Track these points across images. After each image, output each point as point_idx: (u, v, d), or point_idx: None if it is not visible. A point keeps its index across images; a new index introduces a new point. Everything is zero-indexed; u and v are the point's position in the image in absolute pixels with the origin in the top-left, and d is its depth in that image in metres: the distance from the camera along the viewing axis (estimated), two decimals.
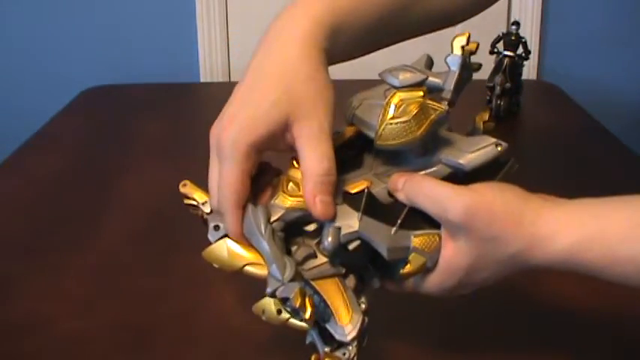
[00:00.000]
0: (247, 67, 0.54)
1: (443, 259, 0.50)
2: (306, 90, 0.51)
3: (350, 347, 0.49)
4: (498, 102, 1.20)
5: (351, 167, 0.55)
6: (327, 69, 0.53)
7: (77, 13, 1.91)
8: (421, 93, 0.52)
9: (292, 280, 0.49)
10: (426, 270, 0.51)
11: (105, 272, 0.76)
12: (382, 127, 0.52)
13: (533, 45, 1.88)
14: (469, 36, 0.55)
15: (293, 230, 0.52)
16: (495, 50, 1.22)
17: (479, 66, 0.57)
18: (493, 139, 0.54)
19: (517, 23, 1.21)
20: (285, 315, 0.50)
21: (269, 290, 0.50)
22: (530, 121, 1.25)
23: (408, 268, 0.50)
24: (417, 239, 0.50)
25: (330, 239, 0.49)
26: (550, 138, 1.15)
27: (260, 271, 0.51)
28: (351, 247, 0.50)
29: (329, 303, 0.49)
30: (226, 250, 0.52)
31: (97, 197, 0.95)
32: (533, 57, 1.87)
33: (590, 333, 0.64)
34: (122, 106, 1.36)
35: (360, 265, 0.53)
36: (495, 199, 0.48)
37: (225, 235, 0.53)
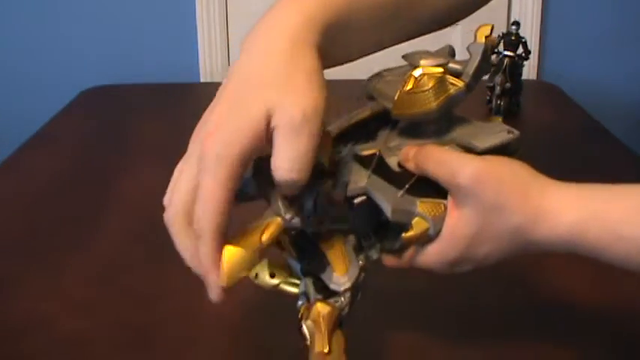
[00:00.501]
0: (233, 66, 0.50)
1: (446, 227, 0.50)
2: (292, 82, 0.46)
3: (343, 297, 0.49)
4: (498, 102, 1.20)
5: (364, 141, 0.56)
6: (319, 65, 0.48)
7: (77, 13, 1.91)
8: (441, 70, 0.54)
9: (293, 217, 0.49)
10: (428, 239, 0.51)
11: (105, 272, 0.76)
12: (400, 96, 0.53)
13: (533, 45, 1.88)
14: (492, 27, 0.56)
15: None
16: (495, 50, 1.22)
17: (493, 65, 0.58)
18: (506, 126, 0.55)
19: (517, 23, 1.21)
20: (276, 280, 0.50)
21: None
22: (530, 121, 1.25)
23: (410, 232, 0.50)
24: (423, 205, 0.50)
25: (336, 192, 0.50)
26: (550, 138, 1.15)
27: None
28: (356, 201, 0.50)
29: (326, 253, 0.50)
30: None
31: (97, 197, 0.94)
32: (533, 57, 1.86)
33: (591, 327, 0.64)
34: (122, 106, 1.36)
35: (362, 229, 0.53)
36: (504, 169, 0.49)
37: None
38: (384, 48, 0.61)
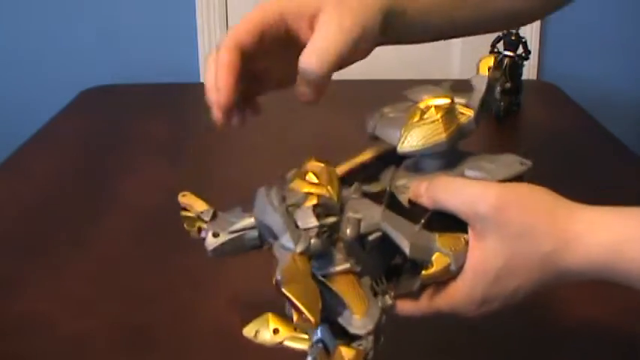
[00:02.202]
0: None
1: (470, 262, 0.46)
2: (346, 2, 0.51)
3: (366, 341, 0.45)
4: (498, 102, 1.20)
5: (367, 183, 0.53)
6: (372, 13, 0.53)
7: (77, 14, 1.91)
8: (449, 99, 0.51)
9: (305, 249, 0.45)
10: (449, 275, 0.47)
11: (105, 272, 0.76)
12: (408, 130, 0.50)
13: (533, 45, 1.87)
14: (496, 59, 0.54)
15: None
16: (495, 50, 1.22)
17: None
18: (517, 157, 0.51)
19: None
20: (280, 336, 0.48)
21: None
22: (530, 121, 1.25)
23: (431, 269, 0.46)
24: (442, 239, 0.46)
25: (350, 229, 0.46)
26: (550, 138, 1.15)
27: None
28: (371, 237, 0.47)
29: (342, 296, 0.46)
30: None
31: (97, 197, 0.94)
32: (533, 57, 1.86)
33: (601, 346, 0.64)
34: (122, 106, 1.36)
35: (374, 272, 0.49)
36: (527, 194, 0.46)
37: (225, 243, 0.53)
38: (452, 36, 0.62)
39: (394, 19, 0.55)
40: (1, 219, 0.89)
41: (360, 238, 0.47)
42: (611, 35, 1.92)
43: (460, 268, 0.46)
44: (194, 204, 0.55)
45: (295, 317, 0.42)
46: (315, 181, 0.49)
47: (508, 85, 1.20)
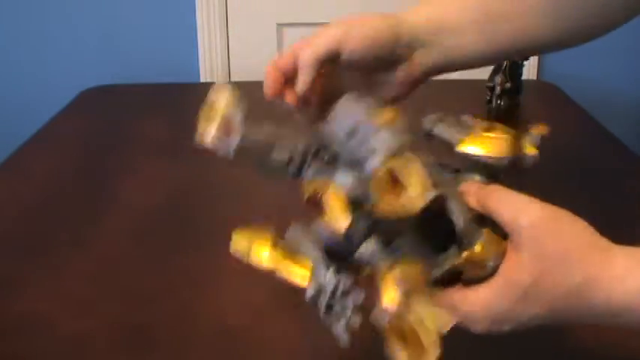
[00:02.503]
0: None
1: (502, 271, 0.46)
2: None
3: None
4: (498, 102, 1.20)
5: None
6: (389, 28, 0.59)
7: (77, 13, 1.91)
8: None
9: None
10: (483, 272, 0.47)
11: (105, 272, 0.76)
12: (475, 135, 0.53)
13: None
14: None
15: None
16: None
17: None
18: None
19: None
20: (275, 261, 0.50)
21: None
22: (530, 121, 1.25)
23: (475, 248, 0.47)
24: (488, 234, 0.47)
25: (459, 215, 0.48)
26: (550, 138, 1.15)
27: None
28: (428, 197, 0.46)
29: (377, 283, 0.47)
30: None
31: (97, 197, 0.95)
32: (533, 57, 1.86)
33: None
34: (122, 106, 1.36)
35: (414, 250, 0.49)
36: (568, 221, 0.46)
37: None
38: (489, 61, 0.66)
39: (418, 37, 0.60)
40: (1, 219, 0.89)
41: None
42: (611, 35, 1.92)
43: (494, 269, 0.46)
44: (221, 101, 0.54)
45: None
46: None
47: (508, 85, 1.20)
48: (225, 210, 0.90)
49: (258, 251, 0.50)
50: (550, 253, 0.44)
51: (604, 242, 0.45)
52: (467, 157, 0.52)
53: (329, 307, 0.48)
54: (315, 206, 0.49)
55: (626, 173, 1.00)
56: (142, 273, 0.76)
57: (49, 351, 0.63)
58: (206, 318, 0.68)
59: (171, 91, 1.44)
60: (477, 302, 0.46)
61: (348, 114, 0.50)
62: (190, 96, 1.43)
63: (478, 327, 0.47)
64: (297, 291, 0.70)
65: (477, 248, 0.47)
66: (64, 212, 0.91)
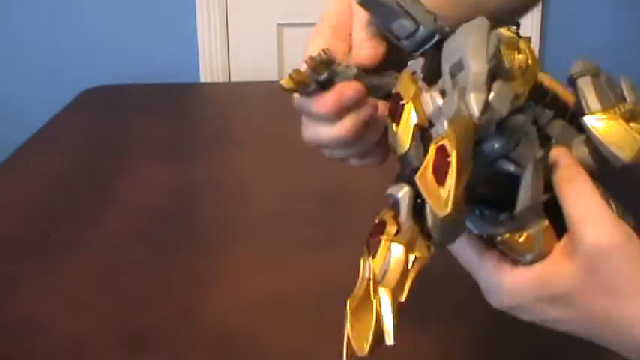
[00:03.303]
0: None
1: (540, 267, 0.42)
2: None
3: None
4: None
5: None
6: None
7: (77, 14, 1.91)
8: None
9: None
10: (520, 261, 0.42)
11: (105, 272, 0.76)
12: (607, 115, 0.44)
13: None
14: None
15: None
16: None
17: None
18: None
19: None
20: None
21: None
22: None
23: (513, 239, 0.42)
24: (547, 225, 0.42)
25: (506, 139, 0.40)
26: None
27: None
28: (509, 168, 0.41)
29: None
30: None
31: (97, 197, 0.94)
32: None
33: None
34: (122, 106, 1.36)
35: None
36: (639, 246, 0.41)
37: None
38: None
39: None
40: (1, 219, 0.89)
41: (505, 155, 0.41)
42: (611, 36, 1.92)
43: (530, 262, 0.42)
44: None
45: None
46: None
47: None
48: (225, 210, 0.90)
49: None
50: (603, 279, 0.40)
51: None
52: (586, 133, 0.45)
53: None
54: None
55: (626, 173, 1.00)
56: (142, 273, 0.76)
57: (49, 351, 0.63)
58: (206, 319, 0.68)
59: (172, 91, 1.44)
60: (505, 282, 0.43)
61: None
62: (190, 96, 1.43)
63: (497, 303, 0.44)
64: (296, 293, 0.70)
65: (521, 239, 0.42)
66: (64, 212, 0.91)
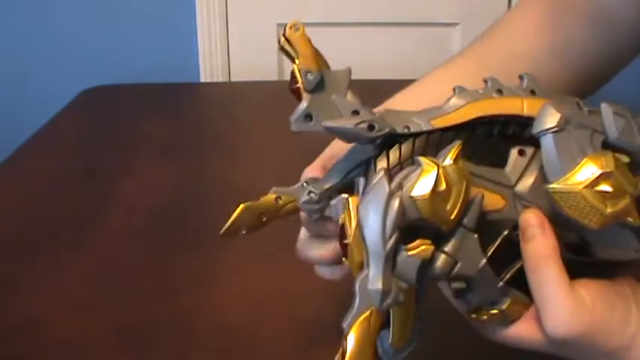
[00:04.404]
0: None
1: (514, 331, 0.44)
2: None
3: None
4: None
5: (493, 155, 0.45)
6: None
7: (77, 13, 1.91)
8: (632, 186, 0.41)
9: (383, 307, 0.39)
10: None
11: (105, 272, 0.76)
12: (568, 184, 0.40)
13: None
14: None
15: None
16: None
17: None
18: (637, 243, 0.44)
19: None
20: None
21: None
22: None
23: (481, 317, 0.43)
24: (509, 304, 0.43)
25: (439, 268, 0.40)
26: None
27: None
28: (454, 285, 0.41)
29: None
30: None
31: (96, 197, 0.95)
32: None
33: None
34: (122, 106, 1.36)
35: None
36: (604, 322, 0.41)
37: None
38: None
39: None
40: (1, 219, 0.89)
41: (445, 278, 0.41)
42: None
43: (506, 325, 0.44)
44: (302, 51, 0.43)
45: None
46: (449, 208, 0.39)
47: None
48: (225, 210, 0.90)
49: None
50: (573, 350, 0.42)
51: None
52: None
53: None
54: None
55: None
56: (142, 273, 0.76)
57: (49, 351, 0.63)
58: (206, 318, 0.68)
59: (172, 91, 1.44)
60: (487, 333, 0.45)
61: None
62: (190, 96, 1.43)
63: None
64: (296, 292, 0.70)
65: (485, 317, 0.43)
66: (64, 212, 0.91)
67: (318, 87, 0.44)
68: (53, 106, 1.33)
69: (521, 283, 0.43)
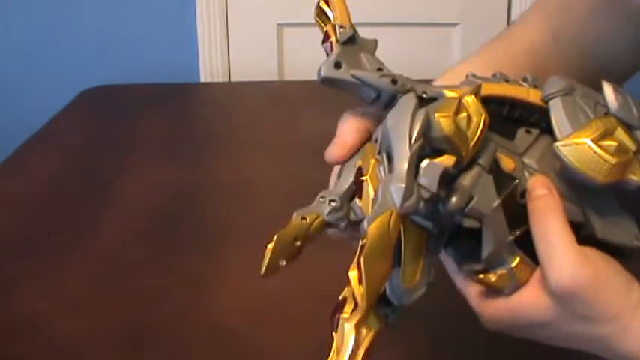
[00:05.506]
0: None
1: (517, 298, 0.44)
2: None
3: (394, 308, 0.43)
4: None
5: (503, 130, 0.47)
6: None
7: (77, 13, 1.91)
8: (633, 146, 0.44)
9: (407, 210, 0.40)
10: (502, 292, 0.44)
11: (105, 272, 0.76)
12: (576, 139, 0.43)
13: None
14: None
15: None
16: None
17: None
18: (636, 227, 0.46)
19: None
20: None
21: None
22: None
23: (487, 279, 0.43)
24: (518, 265, 0.43)
25: (455, 199, 0.42)
26: None
27: None
28: (466, 224, 0.43)
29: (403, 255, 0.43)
30: None
31: (96, 197, 0.95)
32: None
33: None
34: (122, 106, 1.36)
35: (441, 229, 0.45)
36: (605, 276, 0.42)
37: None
38: None
39: None
40: (1, 219, 0.89)
41: (460, 212, 0.43)
42: None
43: (511, 293, 0.44)
44: (339, 8, 0.47)
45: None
46: (464, 129, 0.42)
47: None
48: (225, 210, 0.90)
49: None
50: (575, 311, 0.42)
51: (636, 290, 0.42)
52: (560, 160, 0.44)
53: None
54: None
55: None
56: (142, 273, 0.76)
57: (48, 351, 0.63)
58: (205, 319, 0.68)
59: (172, 91, 1.44)
60: (486, 313, 0.45)
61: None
62: (190, 96, 1.43)
63: (485, 326, 0.46)
64: (296, 293, 0.70)
65: (494, 278, 0.43)
66: (64, 212, 0.91)
67: (349, 41, 0.46)
68: (53, 106, 1.33)
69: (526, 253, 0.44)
